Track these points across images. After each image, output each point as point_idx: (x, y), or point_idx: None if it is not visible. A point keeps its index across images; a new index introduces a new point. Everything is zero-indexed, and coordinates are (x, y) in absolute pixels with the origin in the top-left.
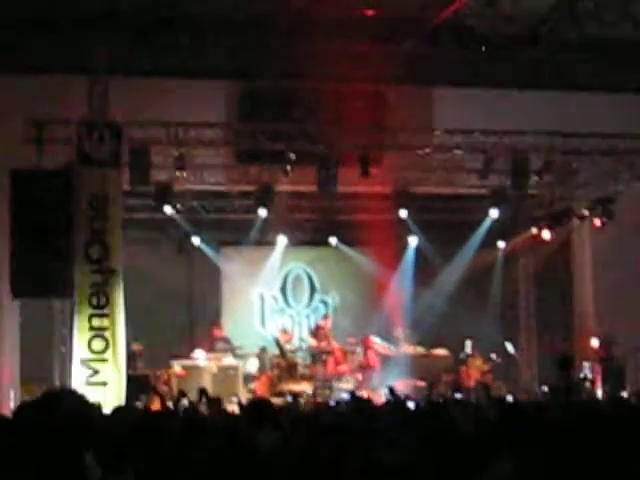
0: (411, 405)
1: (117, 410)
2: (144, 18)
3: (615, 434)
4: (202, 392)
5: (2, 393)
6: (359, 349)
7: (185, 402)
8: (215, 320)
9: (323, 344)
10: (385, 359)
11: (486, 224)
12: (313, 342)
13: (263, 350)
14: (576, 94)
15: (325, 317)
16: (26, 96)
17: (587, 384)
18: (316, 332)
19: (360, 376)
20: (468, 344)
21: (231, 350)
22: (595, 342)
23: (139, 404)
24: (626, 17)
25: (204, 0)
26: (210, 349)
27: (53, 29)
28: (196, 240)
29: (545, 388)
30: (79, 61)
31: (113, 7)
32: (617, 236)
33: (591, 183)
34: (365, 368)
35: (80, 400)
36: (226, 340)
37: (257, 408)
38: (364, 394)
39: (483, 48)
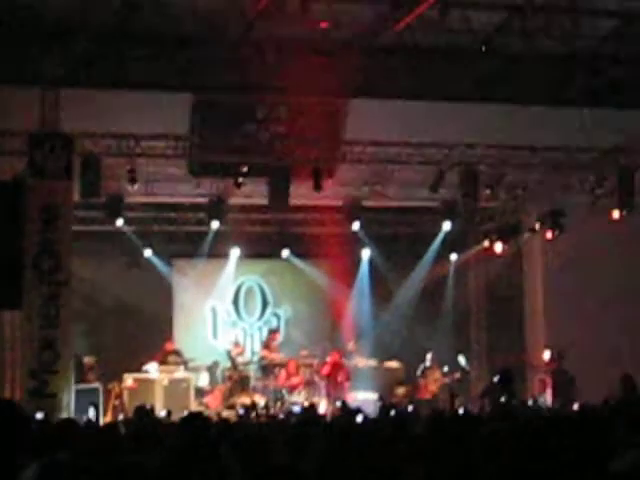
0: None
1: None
2: (97, 30)
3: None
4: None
5: None
6: (315, 361)
7: None
8: (167, 333)
9: (275, 357)
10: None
11: (439, 237)
12: (266, 354)
13: (215, 363)
14: (527, 108)
15: (275, 331)
16: None
17: (539, 397)
18: (268, 345)
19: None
20: (428, 356)
21: (183, 363)
22: (546, 354)
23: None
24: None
25: (158, 12)
26: (162, 362)
27: (4, 39)
28: (147, 252)
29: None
30: (31, 72)
31: (66, 18)
32: (567, 248)
33: (541, 196)
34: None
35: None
36: (178, 353)
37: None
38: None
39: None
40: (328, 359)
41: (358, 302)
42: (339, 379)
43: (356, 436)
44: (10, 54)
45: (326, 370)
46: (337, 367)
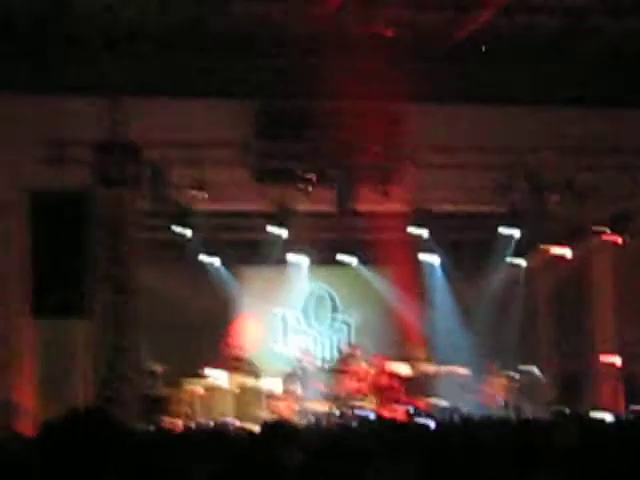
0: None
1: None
2: (161, 39)
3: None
4: None
5: (23, 412)
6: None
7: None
8: (236, 341)
9: (343, 365)
10: (406, 379)
11: (506, 243)
12: (338, 364)
13: (292, 372)
14: (593, 109)
15: (355, 347)
16: (46, 117)
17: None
18: (346, 357)
19: (379, 396)
20: (495, 363)
21: (252, 371)
22: (617, 360)
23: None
24: None
25: (220, 19)
26: (232, 369)
27: (72, 50)
28: (215, 260)
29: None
30: (98, 81)
31: (130, 28)
32: (636, 252)
33: (611, 200)
34: (380, 388)
35: (106, 418)
36: (247, 361)
37: (278, 428)
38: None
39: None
40: (377, 365)
41: (424, 308)
42: (385, 384)
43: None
44: (78, 64)
45: (378, 376)
46: (384, 372)
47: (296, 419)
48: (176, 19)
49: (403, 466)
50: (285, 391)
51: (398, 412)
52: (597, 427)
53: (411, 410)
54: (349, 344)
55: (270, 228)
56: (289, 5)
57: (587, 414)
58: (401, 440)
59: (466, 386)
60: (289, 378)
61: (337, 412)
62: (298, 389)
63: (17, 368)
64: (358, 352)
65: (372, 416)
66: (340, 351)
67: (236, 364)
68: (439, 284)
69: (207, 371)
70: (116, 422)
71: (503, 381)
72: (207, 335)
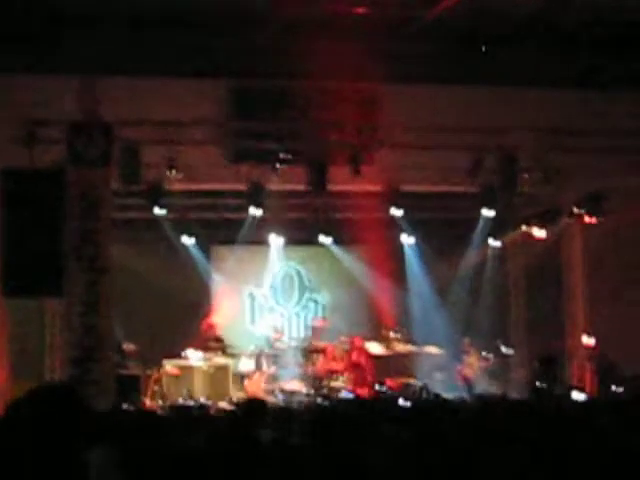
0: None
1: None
2: (134, 17)
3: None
4: None
5: None
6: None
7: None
8: (206, 320)
9: (314, 343)
10: (377, 358)
11: (478, 223)
12: (306, 341)
13: (259, 349)
14: (566, 91)
15: (322, 318)
16: (18, 97)
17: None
18: (313, 332)
19: (351, 375)
20: (466, 341)
21: (226, 350)
22: (586, 340)
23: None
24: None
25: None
26: (203, 348)
27: (43, 30)
28: (187, 239)
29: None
30: (70, 61)
31: (104, 6)
32: (608, 233)
33: (582, 180)
34: (354, 367)
35: (72, 395)
36: (220, 339)
37: (251, 407)
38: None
39: (483, 47)
40: (356, 345)
41: (397, 288)
42: (363, 365)
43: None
44: (49, 43)
45: (355, 356)
46: (362, 352)
47: (268, 398)
48: None
49: (370, 440)
50: (256, 370)
51: (369, 390)
52: (568, 406)
53: (381, 388)
54: (317, 318)
55: (244, 207)
56: None
57: (559, 393)
58: (369, 416)
59: (440, 365)
60: (260, 357)
61: (310, 391)
62: (269, 368)
63: None
64: (326, 324)
65: (345, 394)
66: (308, 327)
67: (210, 343)
68: (413, 264)
69: (181, 350)
70: (82, 399)
71: (477, 360)
72: (181, 314)
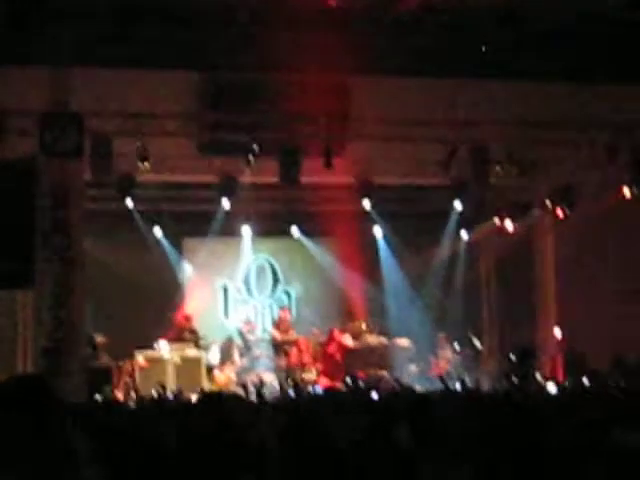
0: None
1: None
2: (105, 7)
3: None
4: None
5: None
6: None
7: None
8: (178, 312)
9: (285, 336)
10: (349, 350)
11: (450, 215)
12: (276, 334)
13: (228, 340)
14: (539, 84)
15: (284, 309)
16: None
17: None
18: (278, 324)
19: (324, 367)
20: (440, 336)
21: (197, 342)
22: (557, 333)
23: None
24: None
25: None
26: (177, 339)
27: (14, 19)
28: (158, 231)
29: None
30: (41, 51)
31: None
32: (578, 226)
33: (553, 173)
34: (328, 358)
35: (41, 386)
36: (194, 331)
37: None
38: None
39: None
40: (335, 337)
41: (368, 280)
42: (338, 357)
43: None
44: (18, 33)
45: (332, 348)
46: (339, 345)
47: (238, 390)
48: None
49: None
50: (225, 361)
51: (339, 381)
52: (539, 396)
53: (350, 380)
54: (281, 308)
55: (216, 199)
56: None
57: (530, 384)
58: (339, 407)
59: (414, 358)
60: (230, 348)
61: (281, 383)
62: (238, 360)
63: None
64: (287, 313)
65: (313, 387)
66: (274, 320)
67: (185, 334)
68: (385, 256)
69: (153, 342)
70: (53, 391)
71: (450, 354)
72: (153, 306)
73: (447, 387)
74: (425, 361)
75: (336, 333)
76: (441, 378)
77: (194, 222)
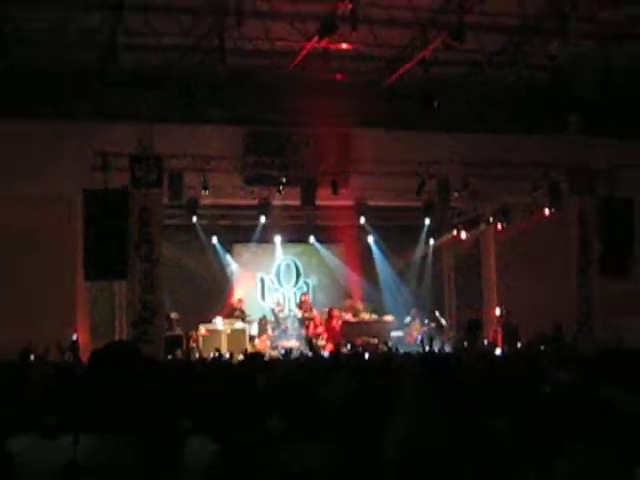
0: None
1: None
2: (176, 81)
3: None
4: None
5: (83, 347)
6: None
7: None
8: (229, 297)
9: (305, 313)
10: (349, 324)
11: (422, 228)
12: (299, 312)
13: (264, 318)
14: (486, 135)
15: (304, 294)
16: (95, 136)
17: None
18: (300, 305)
19: (329, 336)
20: (412, 312)
21: (241, 317)
22: (497, 311)
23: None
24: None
25: (222, 64)
26: (228, 316)
27: (117, 89)
28: (215, 240)
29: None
30: (132, 111)
31: (156, 71)
32: (512, 236)
33: (494, 198)
34: (331, 330)
35: (131, 349)
36: (240, 310)
37: (253, 357)
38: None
39: (436, 103)
40: (334, 314)
41: (363, 274)
42: (337, 328)
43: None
44: (117, 97)
45: (333, 323)
46: (338, 320)
47: (272, 353)
48: (194, 67)
49: (345, 381)
50: (262, 332)
51: (342, 347)
52: (487, 357)
53: (349, 346)
54: (302, 294)
55: (256, 217)
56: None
57: (483, 349)
58: (342, 364)
59: (394, 329)
60: (265, 323)
61: (303, 348)
62: (271, 331)
63: (78, 317)
64: (308, 298)
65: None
66: (297, 301)
67: (231, 313)
68: (377, 257)
69: (211, 318)
70: (138, 351)
71: (419, 325)
72: (210, 293)
73: (423, 349)
74: (403, 331)
75: (334, 312)
76: (421, 342)
77: (240, 233)
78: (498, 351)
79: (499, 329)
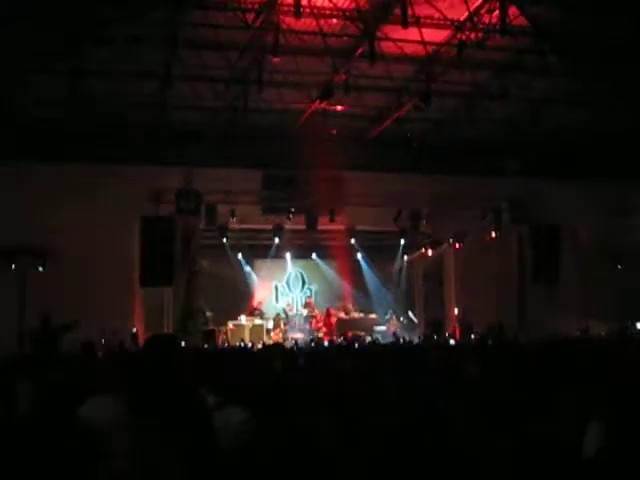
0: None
1: None
2: (210, 134)
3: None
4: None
5: (139, 336)
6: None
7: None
8: (251, 300)
9: (310, 312)
10: (341, 320)
11: (397, 247)
12: (304, 312)
13: (277, 316)
14: (447, 175)
15: (309, 297)
16: (150, 175)
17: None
18: (306, 306)
19: (327, 330)
20: (390, 312)
21: (260, 315)
22: (456, 311)
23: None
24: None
25: (244, 119)
26: (249, 314)
27: (166, 137)
28: (240, 256)
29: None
30: (177, 158)
31: (197, 127)
32: (467, 253)
33: (453, 224)
34: (329, 325)
35: (173, 338)
36: (259, 310)
37: (272, 347)
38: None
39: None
40: (330, 312)
41: (353, 282)
42: (333, 324)
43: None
44: (167, 146)
45: (330, 319)
46: (333, 317)
47: (284, 343)
48: (224, 123)
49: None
50: (276, 327)
51: (336, 339)
52: (450, 347)
53: (342, 337)
54: (307, 297)
55: (271, 238)
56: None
57: (443, 340)
58: (341, 351)
59: (377, 325)
60: (279, 320)
61: (307, 339)
62: (284, 327)
63: (134, 312)
64: (311, 300)
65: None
66: (303, 303)
67: (252, 312)
68: (364, 270)
69: (237, 316)
70: (180, 342)
71: (396, 321)
72: (236, 297)
73: (398, 340)
74: (384, 326)
75: (331, 311)
76: (395, 336)
77: (260, 251)
78: (452, 342)
79: (457, 325)
